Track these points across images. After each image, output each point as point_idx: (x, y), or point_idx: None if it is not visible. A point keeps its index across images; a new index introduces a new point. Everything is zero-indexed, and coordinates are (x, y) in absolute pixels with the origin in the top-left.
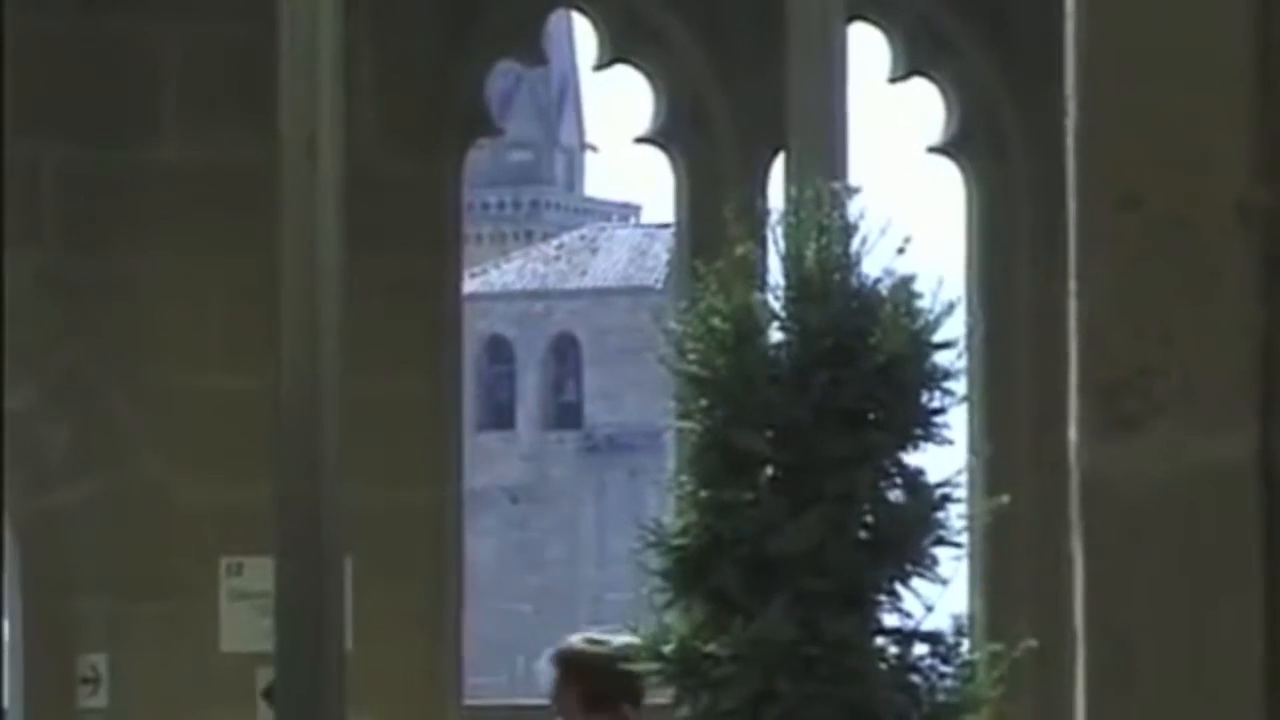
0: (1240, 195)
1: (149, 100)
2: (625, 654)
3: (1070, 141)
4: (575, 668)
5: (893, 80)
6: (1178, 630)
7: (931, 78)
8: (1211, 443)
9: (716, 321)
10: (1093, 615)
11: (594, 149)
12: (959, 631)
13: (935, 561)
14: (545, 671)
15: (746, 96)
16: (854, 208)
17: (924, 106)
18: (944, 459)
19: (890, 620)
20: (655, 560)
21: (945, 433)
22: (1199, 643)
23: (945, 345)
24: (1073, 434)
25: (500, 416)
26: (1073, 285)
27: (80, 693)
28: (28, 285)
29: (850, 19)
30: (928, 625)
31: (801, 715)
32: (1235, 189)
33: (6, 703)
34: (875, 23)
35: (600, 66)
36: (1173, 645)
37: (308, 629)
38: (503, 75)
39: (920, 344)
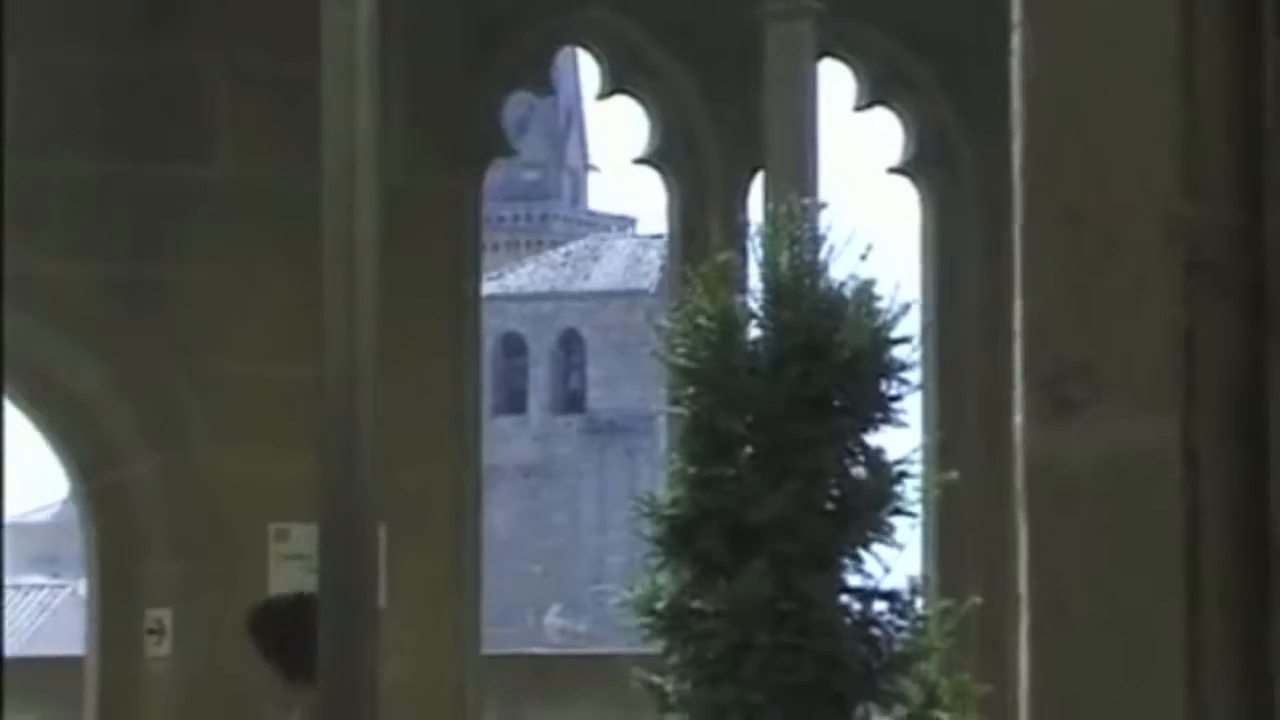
0: (1166, 212)
1: (204, 124)
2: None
3: (1016, 164)
4: (257, 625)
5: (857, 109)
6: (1108, 591)
7: (891, 107)
8: (1139, 427)
9: (702, 320)
10: (1034, 577)
11: (596, 169)
12: (914, 590)
13: (893, 529)
14: (551, 625)
15: (729, 123)
16: (823, 221)
17: (884, 133)
18: (901, 440)
19: (854, 580)
20: (649, 528)
21: (902, 417)
22: (1127, 600)
23: (902, 341)
24: (1018, 418)
25: (514, 402)
26: (1019, 289)
27: (147, 642)
28: (98, 287)
29: (820, 55)
30: (886, 585)
31: (776, 663)
32: (1162, 207)
33: (83, 651)
34: (843, 59)
35: (602, 96)
36: (1103, 604)
37: (345, 587)
38: (517, 104)
39: (880, 340)
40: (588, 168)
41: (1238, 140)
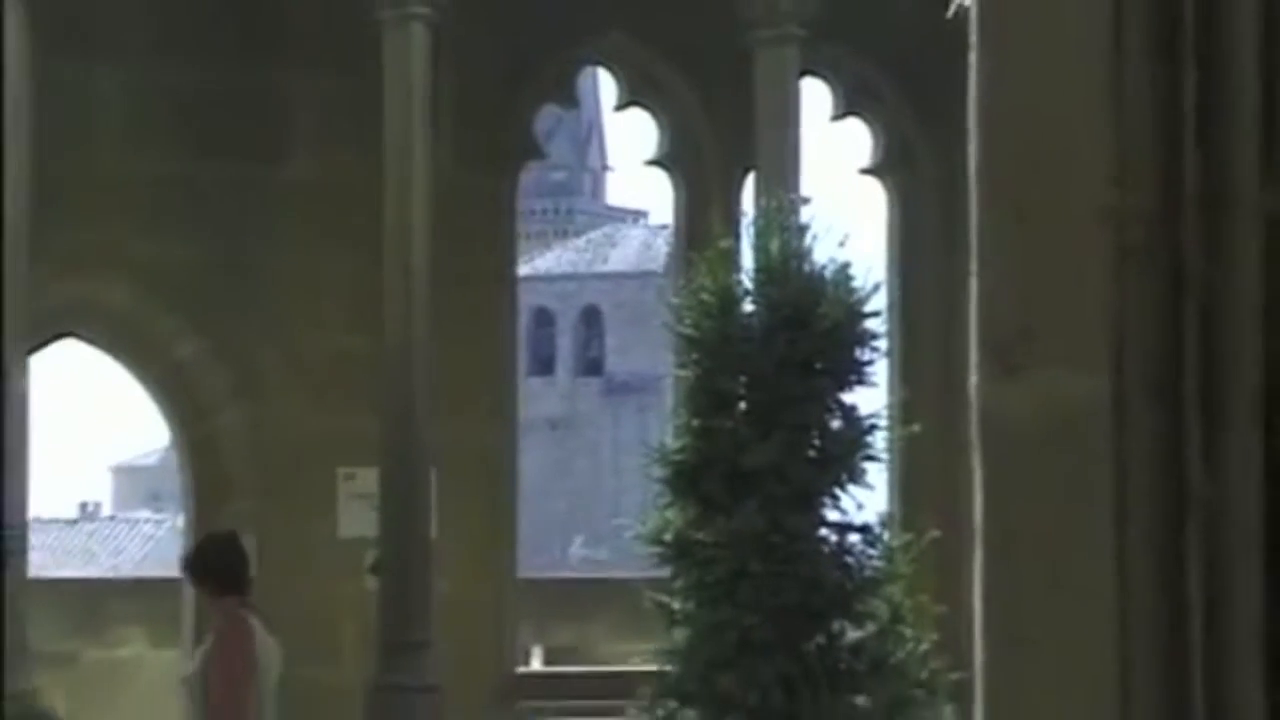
0: (1098, 204)
1: (284, 131)
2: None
3: (972, 164)
4: (197, 559)
5: (834, 119)
6: (1049, 522)
7: (863, 117)
8: (1074, 384)
9: (704, 297)
10: (987, 514)
11: (612, 169)
12: (882, 525)
13: (865, 473)
14: (575, 554)
15: (726, 130)
16: (805, 214)
17: (857, 139)
18: (871, 398)
19: (832, 516)
20: (658, 472)
21: (872, 378)
22: (1064, 533)
23: (873, 314)
24: (973, 379)
25: (544, 366)
26: (974, 269)
27: None
28: (196, 269)
29: (802, 74)
30: (859, 520)
31: (766, 587)
32: (1094, 200)
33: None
34: (821, 77)
35: (619, 108)
36: (1045, 537)
37: (402, 521)
38: (546, 116)
39: (855, 314)
40: (606, 168)
41: (1159, 144)
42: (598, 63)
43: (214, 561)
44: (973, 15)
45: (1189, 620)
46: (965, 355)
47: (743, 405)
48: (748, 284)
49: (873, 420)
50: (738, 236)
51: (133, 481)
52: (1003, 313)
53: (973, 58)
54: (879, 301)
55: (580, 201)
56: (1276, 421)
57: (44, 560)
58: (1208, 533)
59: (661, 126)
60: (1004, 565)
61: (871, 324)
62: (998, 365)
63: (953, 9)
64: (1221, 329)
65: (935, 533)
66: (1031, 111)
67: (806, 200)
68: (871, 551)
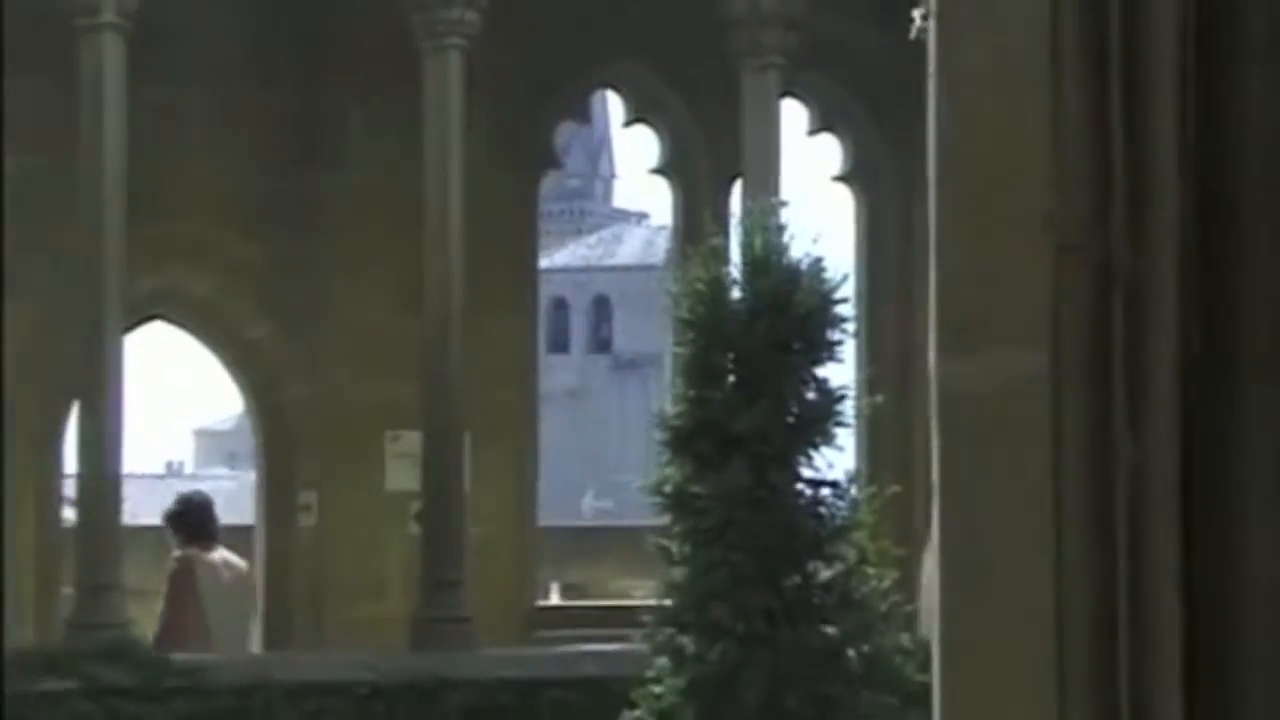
0: (1041, 207)
1: (340, 144)
2: (195, 501)
3: (931, 172)
4: (172, 511)
5: (810, 134)
6: (995, 484)
7: (834, 133)
8: (1019, 363)
9: (698, 286)
10: (943, 471)
11: (619, 177)
12: (850, 480)
13: (835, 436)
14: (587, 505)
15: (717, 143)
16: (784, 215)
17: (829, 151)
18: (841, 373)
19: (807, 473)
20: (659, 434)
21: (841, 356)
22: (1008, 486)
23: (841, 301)
24: (931, 356)
25: (561, 345)
26: (932, 263)
27: (299, 516)
28: (265, 261)
29: (782, 95)
30: (830, 476)
31: (752, 532)
32: (1038, 203)
33: (254, 522)
34: (799, 98)
35: (626, 124)
36: (992, 490)
37: (440, 476)
38: (564, 131)
39: (826, 301)
40: (614, 176)
41: (1091, 156)
42: (608, 85)
43: (183, 518)
44: (930, 47)
45: (1115, 556)
46: (920, 336)
47: (731, 378)
48: (735, 275)
49: (842, 392)
50: (727, 235)
51: (212, 443)
52: (958, 300)
53: (930, 83)
54: (847, 290)
55: (592, 204)
56: (1191, 394)
57: (135, 509)
58: (1132, 488)
59: (662, 140)
60: (958, 512)
61: (841, 310)
62: (954, 345)
63: (914, 32)
64: (1144, 313)
65: (895, 487)
66: (982, 128)
67: (785, 204)
68: (840, 503)
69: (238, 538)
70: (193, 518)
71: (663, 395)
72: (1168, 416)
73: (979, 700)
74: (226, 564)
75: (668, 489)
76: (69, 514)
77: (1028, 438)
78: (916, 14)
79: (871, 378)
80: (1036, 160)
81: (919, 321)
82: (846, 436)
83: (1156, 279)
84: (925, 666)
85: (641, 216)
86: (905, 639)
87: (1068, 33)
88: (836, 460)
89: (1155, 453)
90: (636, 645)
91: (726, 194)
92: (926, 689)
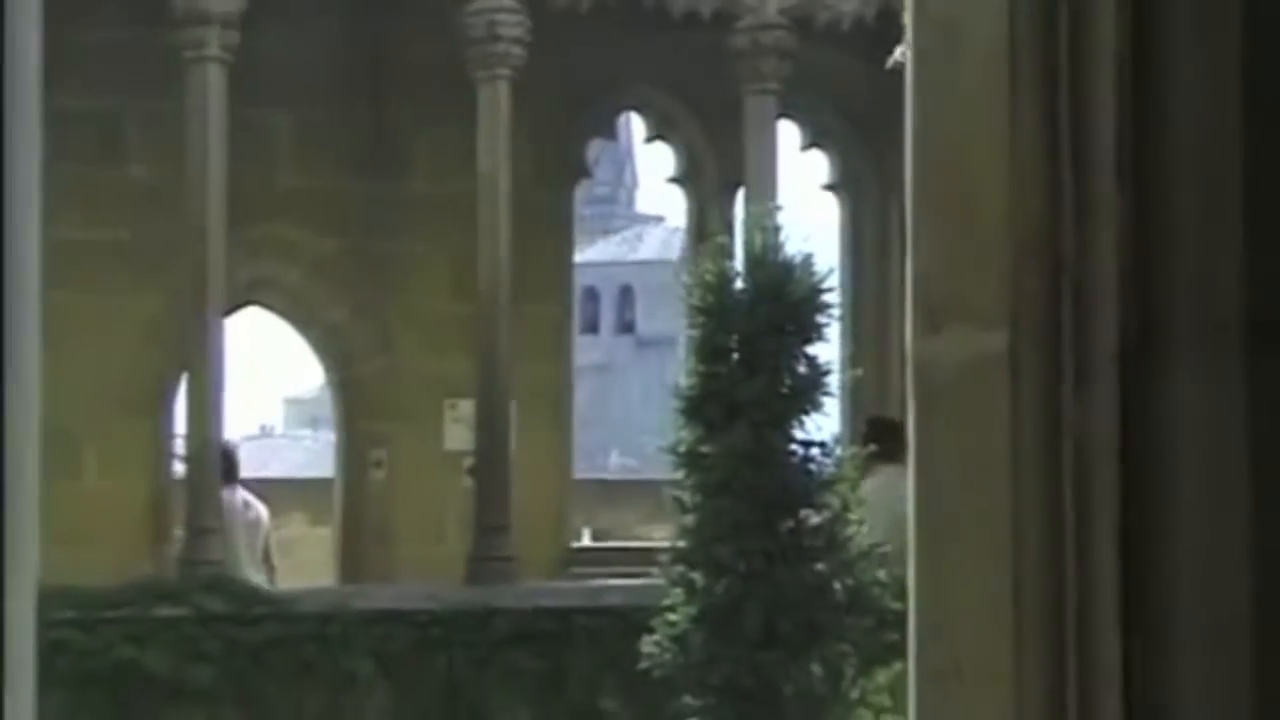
0: (1002, 210)
1: (406, 157)
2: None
3: (908, 180)
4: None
5: (802, 149)
6: (962, 443)
7: (823, 148)
8: (981, 342)
9: (708, 278)
10: (917, 435)
11: (640, 186)
12: (835, 442)
13: (822, 405)
14: (614, 462)
15: (724, 157)
16: (780, 218)
17: (818, 164)
18: (827, 350)
19: (799, 435)
20: (675, 402)
21: (827, 336)
22: (973, 448)
23: (828, 290)
24: (908, 335)
25: (591, 327)
26: (909, 255)
27: (372, 471)
28: (344, 255)
29: (779, 116)
30: (818, 438)
31: (752, 484)
32: (999, 207)
33: (333, 475)
34: (793, 118)
35: (647, 140)
36: (959, 453)
37: (490, 438)
38: (595, 146)
39: (815, 290)
40: (636, 185)
41: (1044, 169)
42: (631, 108)
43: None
44: (907, 74)
45: (1063, 506)
46: (894, 321)
47: (735, 356)
48: (738, 269)
49: (828, 367)
50: (731, 235)
51: (298, 409)
52: (930, 287)
53: (907, 105)
54: (832, 282)
55: (618, 209)
56: (1127, 373)
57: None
58: (1076, 451)
59: (677, 154)
60: (929, 472)
61: (827, 298)
62: (927, 325)
63: (890, 62)
64: (1088, 303)
65: (873, 447)
66: (952, 143)
67: (780, 209)
68: (826, 461)
69: (319, 489)
70: (227, 465)
71: (678, 370)
72: (1107, 391)
73: (946, 619)
74: (246, 503)
75: (681, 449)
76: (179, 468)
77: (989, 406)
78: (899, 50)
79: (853, 355)
80: (997, 171)
81: (894, 307)
82: (831, 404)
83: (1099, 274)
84: (898, 596)
85: (659, 219)
86: (881, 574)
87: (1024, 63)
88: (823, 425)
89: (1096, 421)
90: (654, 580)
91: (731, 200)
92: (899, 614)
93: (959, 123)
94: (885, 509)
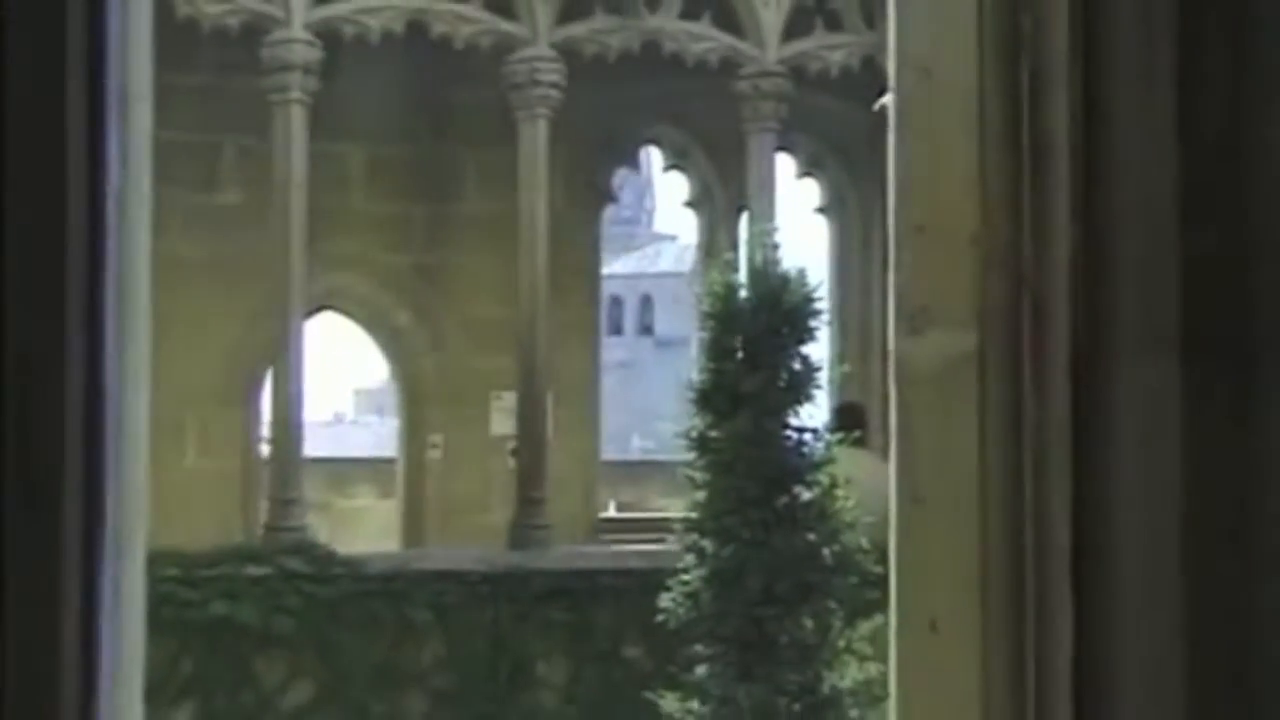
0: (971, 230)
1: (460, 184)
2: None
3: (891, 203)
4: None
5: (797, 177)
6: (936, 431)
7: (815, 178)
8: (955, 342)
9: (716, 288)
10: (899, 426)
11: (658, 209)
12: (824, 428)
13: (813, 396)
14: (636, 445)
15: (730, 184)
16: (778, 237)
17: (811, 191)
18: (818, 350)
19: (794, 422)
20: (688, 395)
21: (817, 337)
22: (946, 436)
23: (818, 299)
24: (891, 338)
25: (616, 330)
26: (891, 268)
27: (429, 452)
28: (407, 269)
29: (777, 150)
30: (810, 425)
31: (754, 464)
32: (969, 227)
33: (396, 455)
34: (789, 151)
35: (665, 170)
36: (934, 439)
37: (530, 424)
38: (619, 175)
39: (807, 298)
40: (655, 208)
41: (1008, 194)
42: (651, 142)
43: None
44: (891, 111)
45: (1023, 485)
46: (875, 324)
47: (739, 354)
48: (742, 280)
49: (818, 364)
50: (736, 251)
51: (367, 399)
52: (910, 297)
53: (890, 140)
54: (822, 291)
55: (639, 229)
56: (1078, 373)
57: (311, 447)
58: (1035, 440)
59: (690, 181)
60: (909, 457)
61: (817, 305)
62: (907, 329)
63: (877, 106)
64: (1044, 309)
65: (856, 433)
66: (928, 174)
67: (778, 229)
68: (818, 444)
69: (385, 467)
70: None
71: (690, 366)
72: (1060, 388)
73: (922, 580)
74: None
75: (693, 434)
76: (265, 448)
77: (960, 398)
78: (884, 98)
79: (839, 354)
80: (966, 198)
81: (874, 313)
82: (822, 396)
83: (1054, 288)
84: (879, 560)
85: (674, 238)
86: (864, 541)
87: (990, 107)
88: (815, 414)
89: (1050, 413)
90: (670, 546)
91: (736, 221)
92: (879, 575)
93: (934, 157)
94: (855, 486)
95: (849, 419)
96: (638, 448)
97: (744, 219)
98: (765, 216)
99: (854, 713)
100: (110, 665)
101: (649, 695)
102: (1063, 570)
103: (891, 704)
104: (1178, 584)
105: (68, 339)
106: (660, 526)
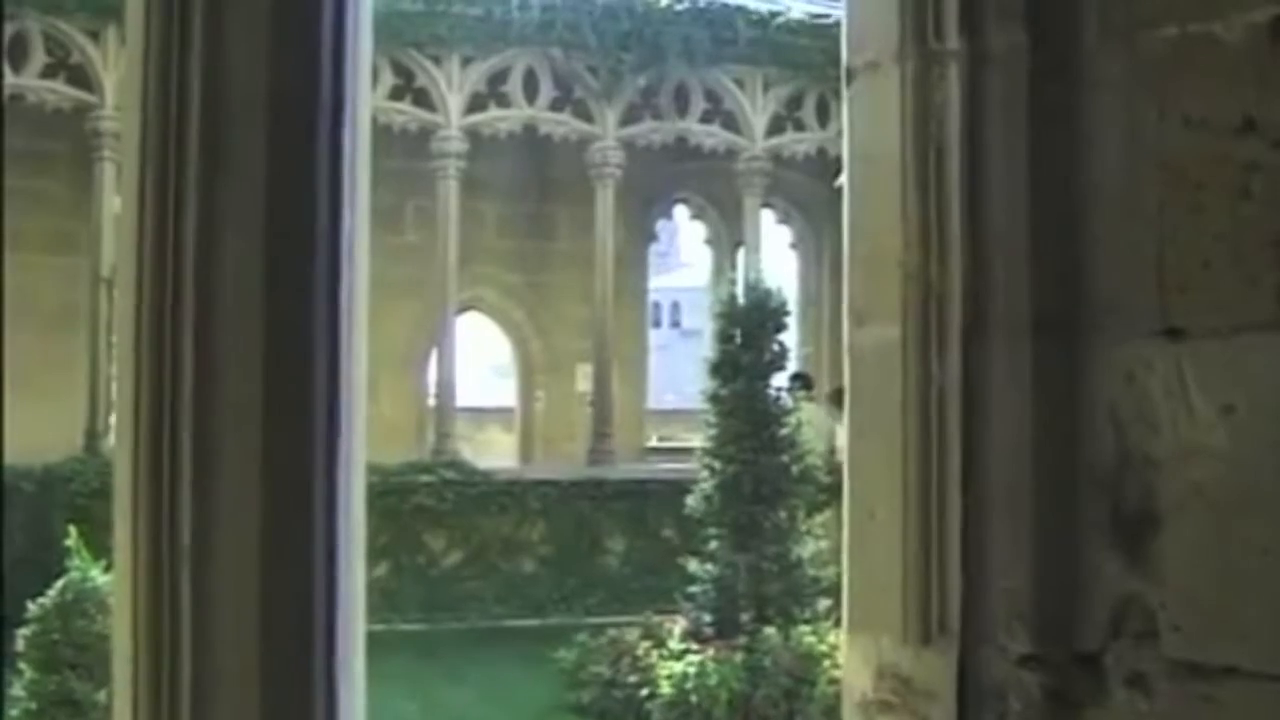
0: (899, 258)
1: (555, 228)
2: None
3: (845, 237)
4: None
5: (777, 224)
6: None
7: (788, 224)
8: (886, 333)
9: (722, 297)
10: (852, 399)
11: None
12: (788, 388)
13: (786, 368)
14: (668, 400)
15: (732, 228)
16: (762, 265)
17: (785, 233)
18: (789, 337)
19: (774, 383)
20: (704, 367)
21: (789, 327)
22: (881, 404)
23: (788, 305)
24: (845, 331)
25: (656, 324)
26: (845, 285)
27: (536, 404)
28: (522, 285)
29: (763, 205)
30: (783, 386)
31: (749, 411)
32: (896, 255)
33: (513, 404)
34: (771, 207)
35: (691, 219)
36: (873, 404)
37: (601, 384)
38: (659, 223)
39: (782, 305)
40: (682, 246)
41: (921, 233)
42: (681, 201)
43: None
44: (845, 185)
45: (929, 430)
46: (825, 320)
47: (738, 340)
48: (740, 292)
49: (789, 347)
50: (736, 273)
51: (497, 368)
52: (856, 300)
53: (845, 199)
54: (791, 300)
55: (671, 259)
56: (970, 347)
57: (460, 399)
58: (939, 399)
59: (707, 227)
60: (857, 411)
61: (788, 308)
62: (855, 323)
63: (836, 184)
64: (945, 306)
65: (813, 393)
66: (869, 220)
67: (762, 260)
68: (788, 398)
69: (507, 413)
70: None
71: (706, 348)
72: (954, 362)
73: (866, 487)
74: None
75: (708, 393)
76: (431, 401)
77: (890, 371)
78: (841, 178)
79: (801, 340)
80: (894, 235)
81: (825, 313)
82: (792, 367)
83: (951, 291)
84: (830, 473)
85: (694, 265)
86: (820, 463)
87: (909, 178)
88: (786, 379)
89: (949, 380)
90: (693, 465)
91: (735, 254)
92: (832, 487)
93: (873, 210)
94: (809, 427)
95: (802, 383)
96: (672, 400)
97: (741, 252)
98: (754, 251)
99: (810, 571)
100: (345, 536)
101: (679, 561)
102: (955, 478)
103: (844, 567)
104: (1028, 486)
105: (316, 321)
106: (687, 452)
